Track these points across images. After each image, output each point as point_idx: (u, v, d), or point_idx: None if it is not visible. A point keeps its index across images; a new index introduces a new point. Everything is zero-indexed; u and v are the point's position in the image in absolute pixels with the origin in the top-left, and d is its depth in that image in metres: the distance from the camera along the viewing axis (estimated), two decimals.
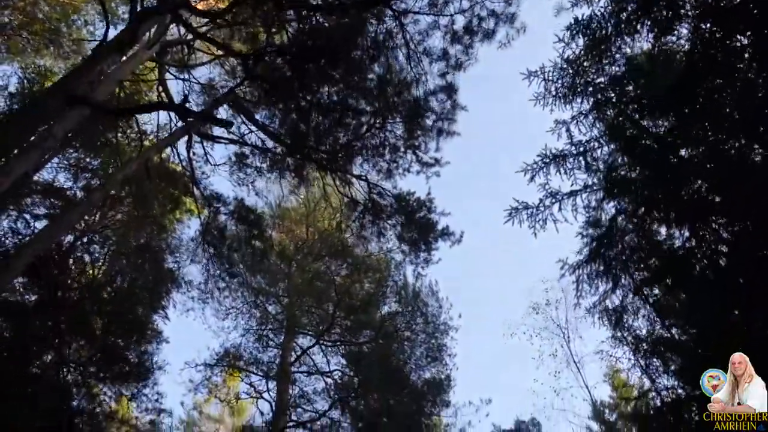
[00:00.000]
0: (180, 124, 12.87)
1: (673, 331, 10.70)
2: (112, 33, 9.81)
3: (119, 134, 15.72)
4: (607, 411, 20.98)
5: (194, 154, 14.09)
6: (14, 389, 11.34)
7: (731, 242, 8.60)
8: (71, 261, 14.62)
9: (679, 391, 10.16)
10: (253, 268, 19.90)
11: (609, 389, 21.41)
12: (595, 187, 9.94)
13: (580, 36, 9.25)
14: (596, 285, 10.12)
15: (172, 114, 13.81)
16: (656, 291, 10.47)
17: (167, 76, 14.25)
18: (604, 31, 8.97)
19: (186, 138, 13.12)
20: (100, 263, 15.53)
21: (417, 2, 11.82)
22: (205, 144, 14.54)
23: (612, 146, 9.79)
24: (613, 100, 9.75)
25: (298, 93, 11.57)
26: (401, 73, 12.26)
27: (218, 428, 29.10)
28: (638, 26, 8.72)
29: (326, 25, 11.27)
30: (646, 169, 9.06)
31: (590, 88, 9.80)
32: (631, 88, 9.55)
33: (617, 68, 9.63)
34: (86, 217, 14.91)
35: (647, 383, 12.15)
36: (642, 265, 9.68)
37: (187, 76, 14.64)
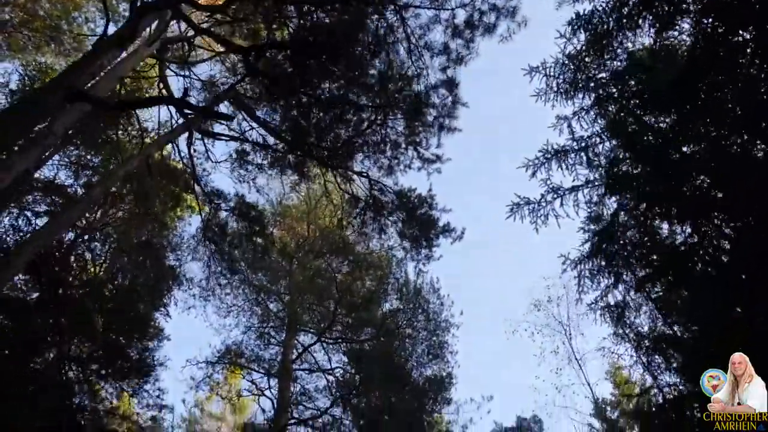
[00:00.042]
0: (181, 121, 12.86)
1: (675, 328, 10.69)
2: (113, 30, 9.84)
3: (120, 131, 15.72)
4: (608, 409, 20.99)
5: (195, 151, 14.08)
6: (16, 386, 11.36)
7: (733, 238, 8.57)
8: (72, 258, 14.61)
9: (681, 388, 10.15)
10: (255, 265, 19.92)
11: (611, 387, 21.43)
12: (596, 183, 9.93)
13: (582, 31, 9.23)
14: (598, 280, 10.11)
15: (173, 111, 13.81)
16: (658, 288, 10.45)
17: (168, 73, 14.23)
18: (605, 26, 8.94)
19: (187, 135, 13.10)
20: (102, 261, 15.54)
21: None
22: (206, 141, 14.54)
23: (614, 142, 9.76)
24: (615, 95, 9.72)
25: (299, 89, 11.53)
26: (402, 67, 12.22)
27: (220, 426, 29.18)
28: (640, 21, 8.69)
29: (327, 21, 11.22)
30: (647, 165, 9.03)
31: (592, 84, 9.79)
32: (632, 83, 9.51)
33: (619, 63, 9.60)
34: (87, 215, 14.93)
35: (649, 380, 12.16)
36: (644, 262, 9.65)
37: (187, 73, 14.62)
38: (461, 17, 11.91)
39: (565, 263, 10.32)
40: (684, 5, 8.38)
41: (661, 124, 9.33)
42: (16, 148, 7.99)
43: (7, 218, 13.51)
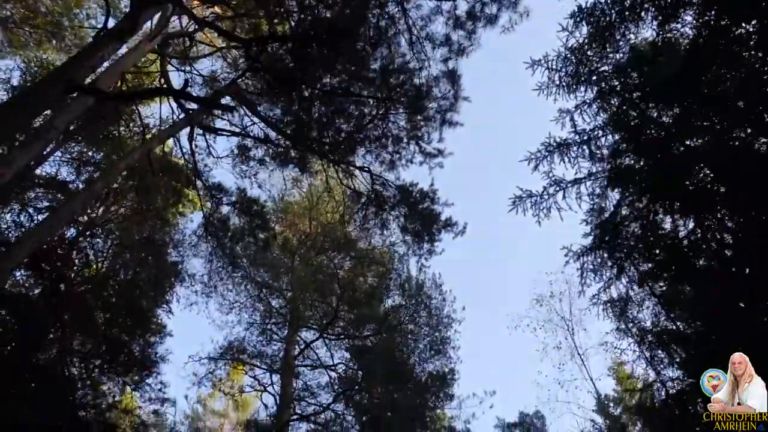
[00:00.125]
0: (182, 116, 12.85)
1: (678, 323, 10.65)
2: (114, 24, 9.82)
3: (122, 127, 15.73)
4: (611, 405, 20.98)
5: (196, 146, 14.08)
6: (18, 382, 11.39)
7: (736, 232, 8.54)
8: (75, 255, 14.63)
9: (684, 383, 10.11)
10: (257, 261, 19.92)
11: (613, 383, 21.43)
12: (599, 175, 9.89)
13: (584, 24, 9.19)
14: (601, 273, 10.08)
15: (175, 107, 13.79)
16: (661, 282, 10.41)
17: (169, 69, 14.21)
18: (607, 19, 8.90)
19: (188, 130, 13.09)
20: (104, 257, 15.56)
21: None
22: (207, 137, 14.54)
23: (616, 135, 9.72)
24: (617, 88, 9.68)
25: (301, 83, 11.51)
26: (404, 60, 12.17)
27: (223, 423, 29.26)
28: (642, 13, 8.66)
29: (328, 14, 11.19)
30: (650, 159, 9.00)
31: (594, 77, 9.75)
32: (635, 76, 9.46)
33: (621, 56, 9.56)
34: (89, 211, 14.95)
35: (652, 375, 12.12)
36: (646, 256, 9.62)
37: (189, 69, 14.61)
38: (463, 8, 11.88)
39: (567, 255, 10.30)
40: None
41: (664, 118, 9.29)
42: (17, 143, 7.99)
43: (9, 214, 13.56)
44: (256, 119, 13.69)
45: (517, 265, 45.95)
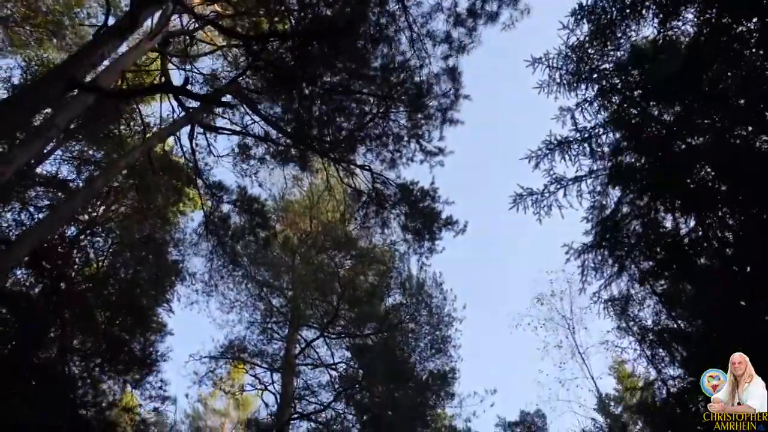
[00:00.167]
0: (182, 114, 12.85)
1: (679, 321, 10.64)
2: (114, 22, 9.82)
3: (122, 126, 15.73)
4: (612, 403, 20.99)
5: (197, 145, 14.07)
6: (19, 380, 11.39)
7: (737, 231, 8.52)
8: (75, 253, 14.63)
9: (685, 381, 10.10)
10: (257, 259, 19.92)
11: (614, 381, 21.44)
12: (600, 173, 9.88)
13: (585, 22, 9.18)
14: (602, 271, 10.08)
15: (175, 106, 13.80)
16: (662, 281, 10.40)
17: (170, 67, 14.20)
18: (608, 17, 8.89)
19: (189, 129, 13.09)
20: (104, 256, 15.55)
21: None
22: (207, 135, 14.53)
23: (617, 134, 9.71)
24: (618, 86, 9.66)
25: (302, 81, 11.50)
26: (405, 57, 12.15)
27: (223, 422, 29.28)
28: (643, 11, 8.65)
29: (329, 12, 11.18)
30: (651, 157, 8.99)
31: (595, 75, 9.73)
32: (636, 74, 9.45)
33: (622, 54, 9.54)
34: (90, 210, 14.95)
35: (653, 374, 12.11)
36: (648, 253, 9.61)
37: (189, 67, 14.62)
38: (463, 5, 11.87)
39: (568, 253, 10.29)
40: None
41: (665, 115, 9.28)
42: (17, 141, 7.98)
43: (10, 213, 13.56)
44: (256, 118, 13.71)
45: (517, 263, 45.99)
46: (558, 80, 9.90)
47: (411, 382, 17.06)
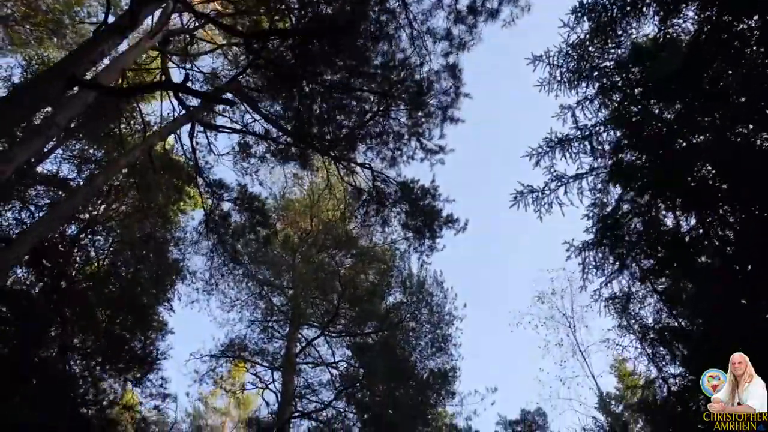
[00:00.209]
0: (183, 112, 12.84)
1: (680, 319, 10.63)
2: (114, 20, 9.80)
3: (122, 125, 15.71)
4: (613, 402, 21.00)
5: (197, 144, 14.06)
6: (19, 378, 11.39)
7: (738, 229, 8.51)
8: (76, 252, 14.64)
9: (686, 380, 10.10)
10: (258, 259, 19.92)
11: (615, 380, 21.46)
12: (600, 171, 9.87)
13: (585, 20, 9.17)
14: (602, 268, 10.07)
15: (176, 104, 13.78)
16: (663, 279, 10.40)
17: (170, 66, 14.20)
18: (609, 14, 8.88)
19: (189, 127, 13.08)
20: (105, 254, 15.56)
21: None
22: (208, 134, 14.53)
23: (618, 132, 9.70)
24: (619, 84, 9.65)
25: (302, 79, 11.50)
26: (405, 54, 12.13)
27: (224, 420, 29.32)
28: (644, 9, 8.63)
29: (329, 11, 11.17)
30: (652, 155, 8.97)
31: (595, 73, 9.72)
32: (636, 72, 9.43)
33: (623, 52, 9.53)
34: (90, 209, 14.95)
35: (653, 372, 12.10)
36: (649, 251, 9.60)
37: (189, 66, 14.60)
38: (464, 2, 11.85)
39: (569, 250, 10.27)
40: None
41: (666, 113, 9.26)
42: (17, 140, 7.97)
43: (10, 212, 13.56)
44: (256, 116, 13.71)
45: (518, 261, 45.98)
46: (559, 78, 9.90)
47: (412, 381, 17.07)
